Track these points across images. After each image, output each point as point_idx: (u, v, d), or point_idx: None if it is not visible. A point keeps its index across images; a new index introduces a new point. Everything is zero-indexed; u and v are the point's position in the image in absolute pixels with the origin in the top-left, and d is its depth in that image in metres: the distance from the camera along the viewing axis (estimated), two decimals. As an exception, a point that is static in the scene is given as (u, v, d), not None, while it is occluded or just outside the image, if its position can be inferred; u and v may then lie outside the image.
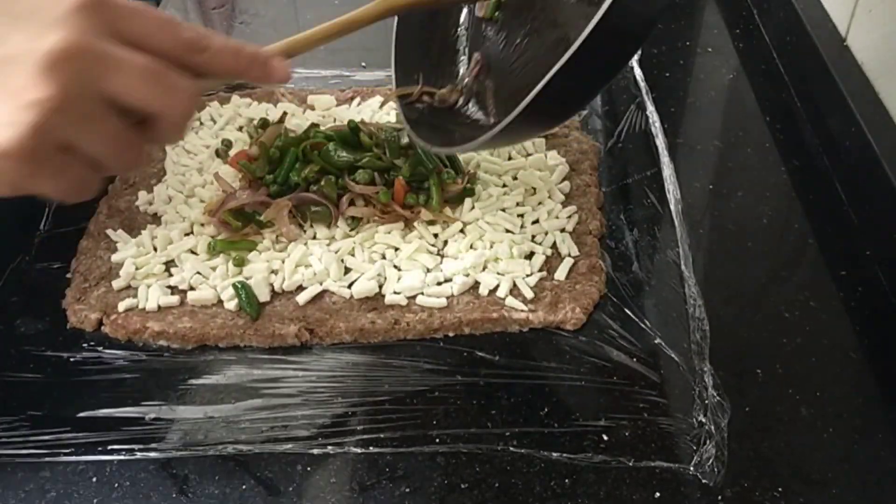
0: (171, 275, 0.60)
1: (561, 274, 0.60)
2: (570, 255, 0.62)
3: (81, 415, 0.53)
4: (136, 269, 0.60)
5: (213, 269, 0.61)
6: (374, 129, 0.67)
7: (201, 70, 0.37)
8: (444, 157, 0.67)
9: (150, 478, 0.50)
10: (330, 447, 0.51)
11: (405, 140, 0.65)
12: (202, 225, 0.64)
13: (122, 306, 0.58)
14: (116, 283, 0.60)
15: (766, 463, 0.50)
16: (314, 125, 0.69)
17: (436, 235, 0.63)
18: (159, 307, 0.58)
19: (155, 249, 0.62)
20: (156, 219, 0.65)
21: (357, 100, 0.77)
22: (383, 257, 0.61)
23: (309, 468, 0.50)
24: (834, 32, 0.76)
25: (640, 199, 0.68)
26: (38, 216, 0.66)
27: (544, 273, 0.61)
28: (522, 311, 0.58)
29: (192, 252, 0.62)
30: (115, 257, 0.62)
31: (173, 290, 0.60)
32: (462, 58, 0.63)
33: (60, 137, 0.33)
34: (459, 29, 0.63)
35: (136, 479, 0.49)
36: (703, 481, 0.49)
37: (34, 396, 0.54)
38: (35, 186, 0.34)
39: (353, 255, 0.61)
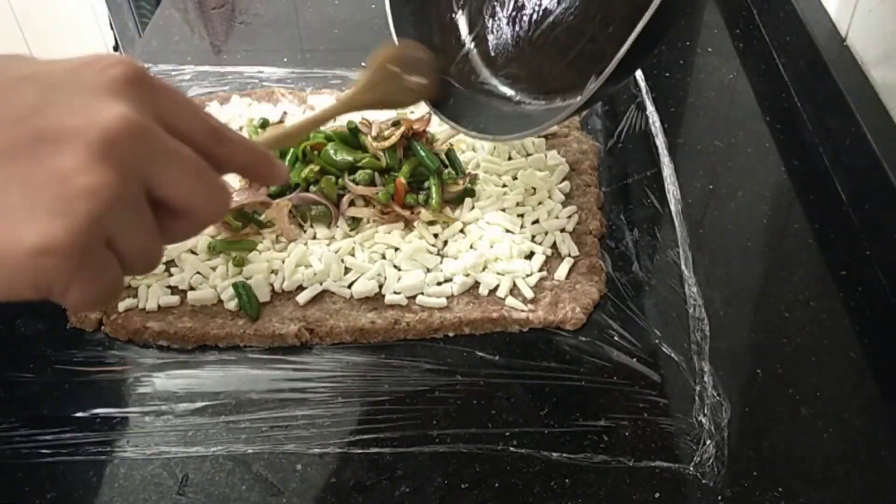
0: (170, 275, 0.60)
1: (561, 274, 0.60)
2: (570, 255, 0.62)
3: (81, 415, 0.53)
4: None
5: (213, 268, 0.61)
6: (372, 128, 0.67)
7: (220, 163, 0.34)
8: (445, 157, 0.67)
9: (150, 478, 0.50)
10: (330, 447, 0.51)
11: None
12: None
13: (122, 306, 0.58)
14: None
15: (766, 463, 0.50)
16: None
17: (436, 235, 0.63)
18: (159, 307, 0.58)
19: None
20: None
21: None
22: (383, 257, 0.61)
23: (309, 468, 0.50)
24: (834, 32, 0.76)
25: (640, 199, 0.68)
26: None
27: (544, 273, 0.61)
28: (522, 311, 0.58)
29: (192, 252, 0.62)
30: None
31: (173, 290, 0.60)
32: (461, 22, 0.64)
33: (112, 231, 0.29)
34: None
35: (136, 479, 0.49)
36: (703, 481, 0.49)
37: (34, 396, 0.54)
38: (68, 289, 0.29)
39: (353, 255, 0.61)
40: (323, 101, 0.76)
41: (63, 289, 0.29)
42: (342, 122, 0.67)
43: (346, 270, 0.60)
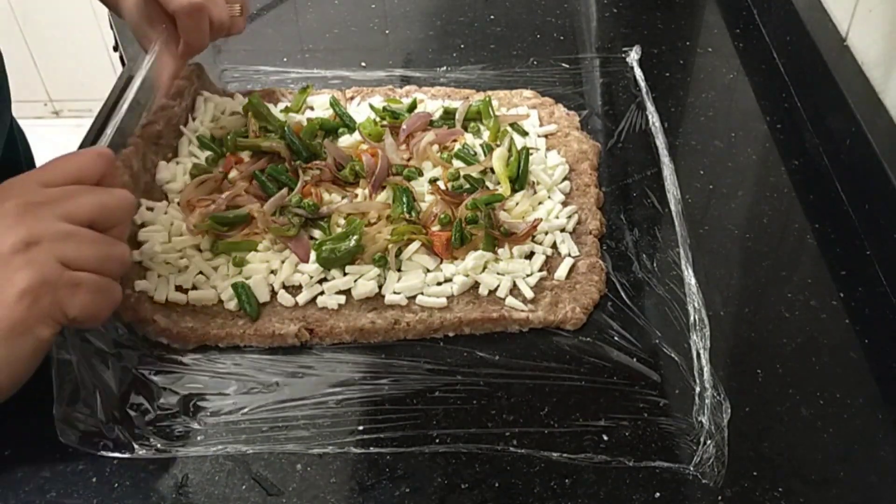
0: (180, 271, 0.60)
1: (561, 274, 0.60)
2: (570, 255, 0.62)
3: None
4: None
5: (216, 268, 0.61)
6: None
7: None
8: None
9: (150, 478, 0.49)
10: (330, 447, 0.51)
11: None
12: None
13: (138, 285, 0.58)
14: (136, 254, 0.60)
15: (766, 463, 0.50)
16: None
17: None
18: (167, 301, 0.58)
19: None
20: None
21: (357, 100, 0.77)
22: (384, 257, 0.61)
23: (309, 468, 0.50)
24: (834, 32, 0.76)
25: (640, 199, 0.68)
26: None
27: (544, 273, 0.61)
28: (522, 311, 0.58)
29: (198, 249, 0.62)
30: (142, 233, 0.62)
31: (178, 288, 0.59)
32: None
33: (63, 259, 0.46)
34: None
35: (136, 479, 0.49)
36: (704, 481, 0.49)
37: (34, 396, 0.54)
38: (65, 309, 0.46)
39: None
40: (323, 100, 0.76)
41: (62, 311, 0.46)
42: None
43: (346, 271, 0.60)
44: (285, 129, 0.69)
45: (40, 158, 0.88)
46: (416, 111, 0.73)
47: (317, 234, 0.62)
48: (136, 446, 0.51)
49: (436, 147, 0.69)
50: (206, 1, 0.65)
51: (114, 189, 0.51)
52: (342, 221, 0.63)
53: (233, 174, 0.67)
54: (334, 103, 0.74)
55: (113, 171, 0.52)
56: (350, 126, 0.71)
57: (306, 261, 0.60)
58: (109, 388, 0.53)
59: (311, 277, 0.60)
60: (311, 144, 0.68)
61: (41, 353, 0.48)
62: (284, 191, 0.64)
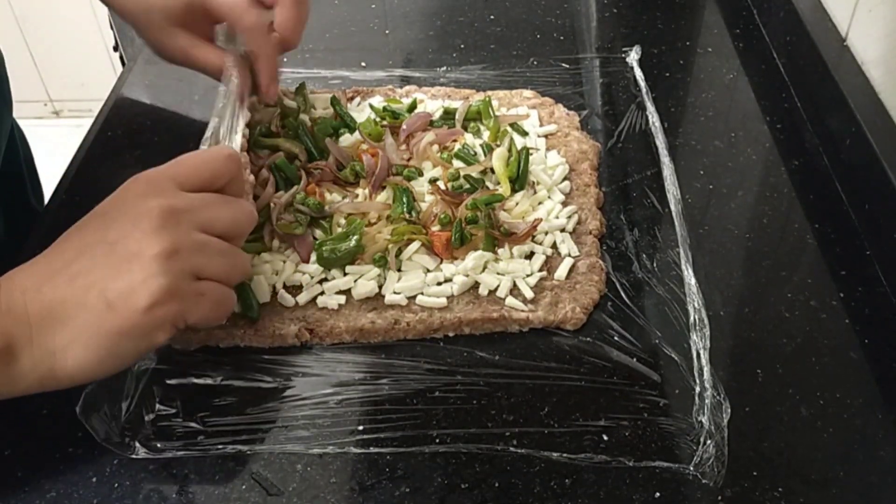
0: None
1: (561, 274, 0.60)
2: (570, 255, 0.62)
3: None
4: None
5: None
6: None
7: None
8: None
9: (150, 478, 0.50)
10: (330, 447, 0.51)
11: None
12: None
13: None
14: None
15: (766, 463, 0.50)
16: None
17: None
18: None
19: None
20: None
21: (357, 100, 0.77)
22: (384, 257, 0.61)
23: (309, 468, 0.50)
24: (834, 32, 0.76)
25: (640, 199, 0.68)
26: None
27: (544, 273, 0.61)
28: (522, 311, 0.58)
29: None
30: None
31: None
32: None
33: (193, 269, 0.48)
34: None
35: (136, 479, 0.49)
36: (703, 481, 0.49)
37: (38, 398, 0.54)
38: (186, 318, 0.48)
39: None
40: (323, 99, 0.76)
41: (182, 318, 0.48)
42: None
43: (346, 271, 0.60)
44: (300, 128, 0.69)
45: (40, 159, 0.88)
46: (416, 111, 0.73)
47: (318, 233, 0.63)
48: (137, 446, 0.51)
49: (436, 147, 0.69)
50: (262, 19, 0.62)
51: (242, 201, 0.53)
52: (342, 221, 0.63)
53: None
54: (335, 102, 0.74)
55: (239, 173, 0.53)
56: (350, 126, 0.71)
57: (307, 261, 0.60)
58: (111, 388, 0.53)
59: (312, 277, 0.60)
60: (321, 144, 0.69)
61: (148, 351, 0.50)
62: (295, 187, 0.64)
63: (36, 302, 0.46)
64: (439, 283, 0.60)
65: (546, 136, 0.73)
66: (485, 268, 0.60)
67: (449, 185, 0.65)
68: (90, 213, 0.49)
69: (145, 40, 0.68)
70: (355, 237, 0.60)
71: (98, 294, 0.46)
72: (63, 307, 0.46)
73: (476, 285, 0.60)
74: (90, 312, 0.46)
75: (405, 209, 0.62)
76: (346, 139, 0.70)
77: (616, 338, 0.57)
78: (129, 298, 0.46)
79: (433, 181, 0.66)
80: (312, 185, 0.65)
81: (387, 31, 0.89)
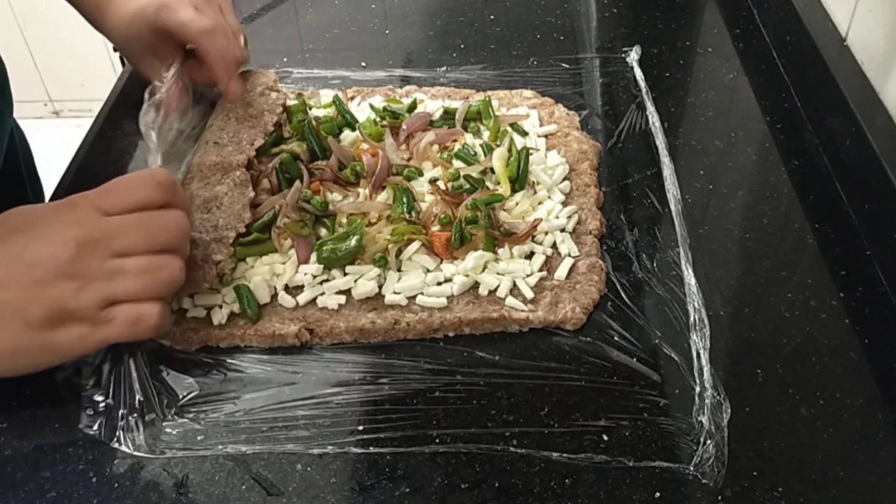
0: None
1: (561, 274, 0.60)
2: (570, 255, 0.62)
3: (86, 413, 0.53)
4: None
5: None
6: None
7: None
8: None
9: (150, 478, 0.50)
10: (330, 447, 0.51)
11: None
12: None
13: None
14: None
15: (766, 463, 0.50)
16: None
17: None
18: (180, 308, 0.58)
19: None
20: None
21: (357, 100, 0.77)
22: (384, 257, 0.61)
23: (309, 468, 0.50)
24: (834, 32, 0.76)
25: (640, 199, 0.68)
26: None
27: (544, 273, 0.61)
28: (522, 311, 0.58)
29: None
30: None
31: None
32: None
33: (94, 298, 0.50)
34: None
35: (136, 479, 0.49)
36: (703, 481, 0.49)
37: (36, 396, 0.54)
38: (108, 333, 0.50)
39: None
40: (324, 97, 0.76)
41: (91, 339, 0.50)
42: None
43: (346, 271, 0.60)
44: (305, 127, 0.69)
45: (40, 159, 0.88)
46: (415, 111, 0.73)
47: (322, 232, 0.63)
48: (138, 445, 0.51)
49: (436, 147, 0.69)
50: (219, 24, 0.66)
51: (168, 213, 0.53)
52: (344, 221, 0.63)
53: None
54: (337, 101, 0.73)
55: (173, 198, 0.53)
56: (351, 124, 0.71)
57: (307, 261, 0.60)
58: (111, 388, 0.53)
59: (315, 277, 0.59)
60: (325, 143, 0.69)
61: (47, 366, 0.52)
62: (298, 183, 0.64)
63: None
64: (439, 283, 0.60)
65: (546, 136, 0.73)
66: (485, 268, 0.60)
67: (449, 185, 0.65)
68: (14, 222, 0.51)
69: (132, 64, 0.73)
70: (356, 237, 0.60)
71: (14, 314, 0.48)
72: None
73: (476, 285, 0.60)
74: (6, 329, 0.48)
75: (405, 209, 0.62)
76: (347, 136, 0.70)
77: (616, 338, 0.57)
78: (23, 315, 0.48)
79: (433, 181, 0.66)
80: (317, 183, 0.65)
81: (387, 31, 0.89)
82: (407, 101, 0.74)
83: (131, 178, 0.53)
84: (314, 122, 0.70)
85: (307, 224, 0.62)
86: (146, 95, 0.65)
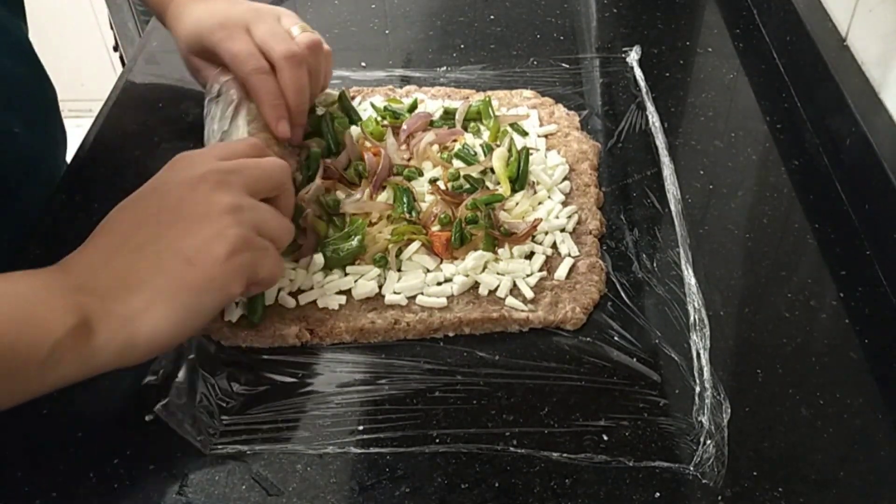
0: None
1: (561, 274, 0.60)
2: (570, 255, 0.62)
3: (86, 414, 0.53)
4: None
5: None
6: None
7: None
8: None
9: (150, 478, 0.50)
10: (330, 447, 0.51)
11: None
12: None
13: None
14: None
15: (766, 463, 0.50)
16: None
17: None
18: None
19: None
20: None
21: (357, 99, 0.77)
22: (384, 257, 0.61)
23: (309, 468, 0.50)
24: (834, 32, 0.76)
25: (640, 199, 0.68)
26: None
27: (544, 273, 0.61)
28: (522, 311, 0.58)
29: None
30: None
31: None
32: None
33: (254, 225, 0.51)
34: None
35: (137, 479, 0.49)
36: (704, 481, 0.49)
37: (37, 397, 0.54)
38: (257, 270, 0.50)
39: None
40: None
41: (254, 271, 0.50)
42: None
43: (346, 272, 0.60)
44: (322, 122, 0.69)
45: (40, 158, 0.88)
46: (416, 111, 0.73)
47: (331, 231, 0.63)
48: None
49: (436, 147, 0.69)
50: (305, 51, 0.64)
51: (270, 159, 0.55)
52: (347, 220, 0.63)
53: None
54: (344, 98, 0.73)
55: (289, 183, 0.56)
56: (355, 122, 0.71)
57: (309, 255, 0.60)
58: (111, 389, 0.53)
59: (323, 277, 0.59)
60: (339, 138, 0.69)
61: (221, 308, 0.52)
62: (319, 180, 0.64)
63: (104, 276, 0.46)
64: (439, 283, 0.60)
65: (546, 136, 0.73)
66: (485, 268, 0.60)
67: (449, 185, 0.65)
68: (132, 195, 0.51)
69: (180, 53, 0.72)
70: (358, 237, 0.60)
71: (173, 255, 0.47)
72: (135, 274, 0.47)
73: (476, 285, 0.60)
74: (167, 273, 0.47)
75: (405, 209, 0.62)
76: (354, 131, 0.70)
77: (616, 338, 0.57)
78: (208, 251, 0.48)
79: (433, 181, 0.66)
80: (331, 181, 0.65)
81: (387, 31, 0.89)
82: (408, 101, 0.74)
83: (258, 160, 0.55)
84: (329, 118, 0.70)
85: (324, 221, 0.62)
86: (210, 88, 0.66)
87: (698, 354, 0.55)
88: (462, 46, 0.86)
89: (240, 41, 0.64)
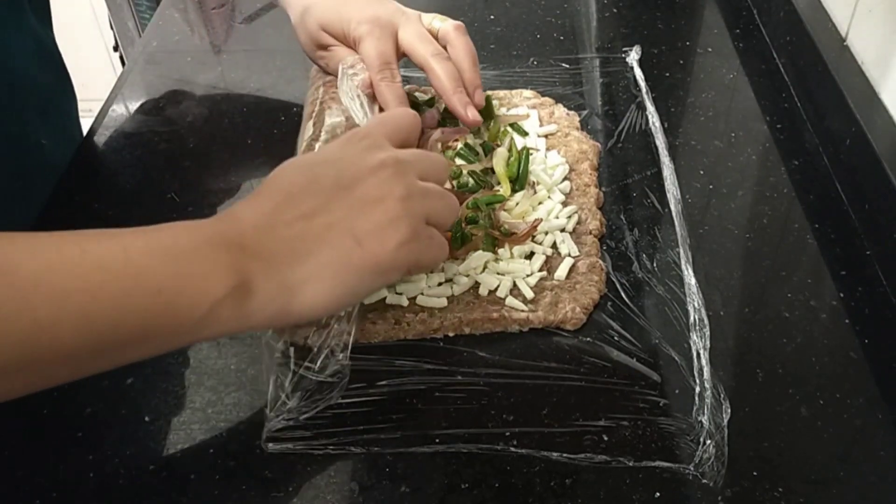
0: None
1: (561, 274, 0.60)
2: (570, 255, 0.62)
3: (85, 414, 0.53)
4: None
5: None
6: None
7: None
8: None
9: (150, 478, 0.50)
10: (330, 447, 0.51)
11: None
12: None
13: None
14: None
15: (766, 463, 0.50)
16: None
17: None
18: None
19: None
20: None
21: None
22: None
23: (309, 468, 0.50)
24: (834, 32, 0.76)
25: (640, 199, 0.68)
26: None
27: (544, 273, 0.61)
28: (522, 311, 0.58)
29: None
30: None
31: None
32: None
33: (424, 215, 0.50)
34: None
35: (137, 479, 0.49)
36: (704, 481, 0.49)
37: (38, 397, 0.54)
38: (421, 260, 0.50)
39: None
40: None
41: (416, 260, 0.49)
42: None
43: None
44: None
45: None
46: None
47: None
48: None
49: (439, 146, 0.69)
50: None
51: (434, 154, 0.58)
52: None
53: None
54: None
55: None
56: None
57: None
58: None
59: None
60: None
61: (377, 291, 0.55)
62: None
63: (270, 239, 0.45)
64: (439, 284, 0.60)
65: (546, 136, 0.73)
66: (485, 268, 0.60)
67: (453, 183, 0.65)
68: (306, 157, 0.51)
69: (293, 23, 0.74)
70: None
71: (344, 232, 0.47)
72: (303, 244, 0.46)
73: (476, 285, 0.60)
74: (336, 249, 0.46)
75: None
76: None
77: (616, 338, 0.57)
78: (379, 236, 0.47)
79: None
80: None
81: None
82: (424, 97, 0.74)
83: (395, 112, 0.57)
84: None
85: None
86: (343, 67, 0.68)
87: (698, 354, 0.55)
88: (462, 46, 0.86)
89: (369, 43, 0.68)
